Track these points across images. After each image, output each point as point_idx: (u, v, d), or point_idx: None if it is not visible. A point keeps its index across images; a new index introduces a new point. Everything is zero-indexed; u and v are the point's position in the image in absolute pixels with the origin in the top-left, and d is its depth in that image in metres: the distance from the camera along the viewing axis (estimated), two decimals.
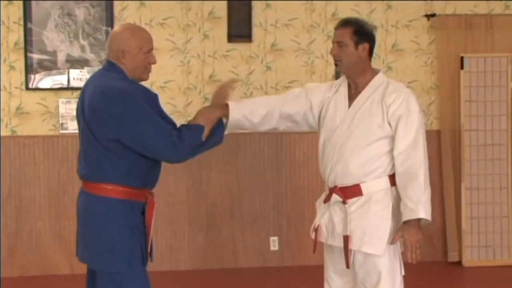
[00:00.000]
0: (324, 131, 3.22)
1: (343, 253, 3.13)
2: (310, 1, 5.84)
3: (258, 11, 5.79)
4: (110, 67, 3.04)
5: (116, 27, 3.17)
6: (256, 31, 5.80)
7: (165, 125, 2.93)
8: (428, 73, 5.96)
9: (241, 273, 5.65)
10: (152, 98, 2.96)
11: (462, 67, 5.76)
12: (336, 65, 3.19)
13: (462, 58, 5.76)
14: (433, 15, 5.88)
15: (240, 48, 5.79)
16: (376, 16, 5.84)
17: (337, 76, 5.82)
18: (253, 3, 5.77)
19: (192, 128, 3.04)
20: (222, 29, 5.75)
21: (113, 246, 2.94)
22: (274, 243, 5.81)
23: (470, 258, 5.76)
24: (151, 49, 3.08)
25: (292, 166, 5.83)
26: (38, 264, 5.57)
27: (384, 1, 5.90)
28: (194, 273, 5.68)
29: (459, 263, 5.77)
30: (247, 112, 3.20)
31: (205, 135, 3.06)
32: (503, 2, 5.97)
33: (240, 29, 5.75)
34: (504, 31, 5.88)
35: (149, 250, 3.04)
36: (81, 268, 5.55)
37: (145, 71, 3.07)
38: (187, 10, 5.74)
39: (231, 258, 5.79)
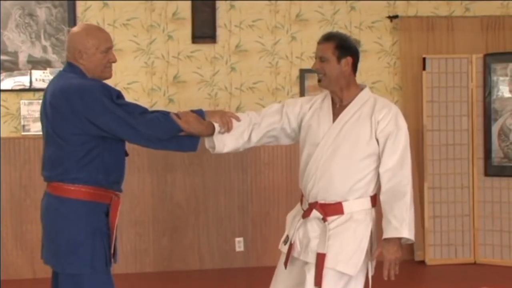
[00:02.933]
0: (307, 145, 3.13)
1: (305, 268, 3.05)
2: (274, 2, 5.86)
3: (222, 12, 5.79)
4: (69, 67, 3.07)
5: (74, 27, 3.17)
6: (220, 32, 5.79)
7: (123, 113, 2.94)
8: (391, 74, 6.03)
9: (206, 275, 5.63)
10: (109, 91, 2.97)
11: (424, 68, 5.84)
12: (319, 80, 3.11)
13: (424, 59, 5.84)
14: (396, 16, 5.95)
15: (205, 49, 5.78)
16: (339, 17, 5.89)
17: (301, 78, 5.85)
18: (217, 4, 5.76)
19: (164, 116, 3.03)
20: (186, 30, 5.73)
21: (75, 248, 2.94)
22: (239, 244, 5.81)
23: (433, 257, 5.84)
24: (110, 48, 3.07)
25: (257, 167, 5.83)
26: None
27: (348, 2, 5.95)
28: (159, 275, 5.64)
29: (423, 261, 5.85)
30: (232, 146, 3.18)
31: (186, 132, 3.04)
32: (463, 4, 6.08)
33: (204, 30, 5.74)
34: (464, 33, 5.98)
35: (112, 252, 3.03)
36: (44, 272, 5.48)
37: (106, 70, 3.08)
38: (151, 11, 5.71)
39: (196, 259, 5.77)
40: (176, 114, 3.04)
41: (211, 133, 3.13)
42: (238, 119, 3.18)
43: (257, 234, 5.83)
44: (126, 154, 3.17)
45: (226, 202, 5.80)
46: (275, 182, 5.82)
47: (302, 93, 5.79)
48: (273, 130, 3.24)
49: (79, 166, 2.95)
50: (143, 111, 3.01)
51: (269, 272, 5.68)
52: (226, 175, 5.79)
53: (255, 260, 5.81)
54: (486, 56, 5.81)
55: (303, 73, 5.84)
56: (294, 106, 3.23)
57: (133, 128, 2.94)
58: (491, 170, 5.80)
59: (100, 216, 3.00)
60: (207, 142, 3.19)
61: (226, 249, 5.80)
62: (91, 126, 2.92)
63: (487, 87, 5.79)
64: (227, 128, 3.13)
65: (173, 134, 3.02)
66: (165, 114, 3.03)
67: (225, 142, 3.16)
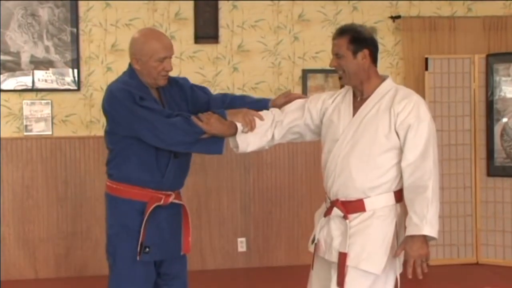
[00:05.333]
0: (328, 141, 3.03)
1: (331, 268, 2.96)
2: (276, 2, 5.86)
3: (224, 12, 5.79)
4: (128, 69, 3.18)
5: (136, 31, 3.24)
6: (222, 32, 5.79)
7: (148, 115, 2.99)
8: (394, 74, 6.02)
9: (208, 275, 5.63)
10: (131, 94, 3.01)
11: (426, 68, 5.84)
12: (340, 77, 3.01)
13: (426, 59, 5.83)
14: (398, 17, 5.95)
15: (207, 49, 5.78)
16: (342, 17, 5.88)
17: (304, 78, 5.85)
18: (220, 4, 5.77)
19: (185, 119, 3.03)
20: (188, 30, 5.74)
21: (107, 240, 3.18)
22: (242, 244, 5.81)
23: (435, 257, 5.83)
24: (166, 57, 3.11)
25: (260, 167, 5.83)
26: (1, 269, 5.47)
27: (350, 3, 5.95)
28: None
29: None
30: (255, 145, 3.14)
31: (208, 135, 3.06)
32: (466, 5, 6.07)
33: (206, 30, 5.74)
34: (467, 33, 5.98)
35: (138, 250, 3.08)
36: (45, 273, 5.49)
37: (159, 78, 3.13)
38: (153, 11, 5.71)
39: (199, 260, 5.76)
40: (197, 117, 3.04)
41: (234, 133, 3.08)
42: (261, 118, 3.12)
43: (259, 234, 5.83)
44: (175, 156, 3.16)
45: (228, 202, 5.80)
46: (278, 182, 5.82)
47: (304, 94, 5.78)
48: (296, 127, 3.16)
49: (113, 164, 3.13)
50: (167, 114, 3.04)
51: (271, 272, 5.69)
52: (228, 175, 5.79)
53: (257, 260, 5.81)
54: (488, 56, 5.81)
55: (305, 73, 5.84)
56: (317, 102, 3.15)
57: (156, 130, 2.99)
58: (494, 170, 5.79)
59: (129, 214, 3.10)
60: (231, 141, 3.15)
61: (228, 250, 5.80)
62: (119, 126, 3.05)
63: (490, 88, 5.79)
64: (250, 127, 3.08)
65: (196, 136, 3.03)
66: (186, 117, 3.04)
67: (248, 142, 3.11)
